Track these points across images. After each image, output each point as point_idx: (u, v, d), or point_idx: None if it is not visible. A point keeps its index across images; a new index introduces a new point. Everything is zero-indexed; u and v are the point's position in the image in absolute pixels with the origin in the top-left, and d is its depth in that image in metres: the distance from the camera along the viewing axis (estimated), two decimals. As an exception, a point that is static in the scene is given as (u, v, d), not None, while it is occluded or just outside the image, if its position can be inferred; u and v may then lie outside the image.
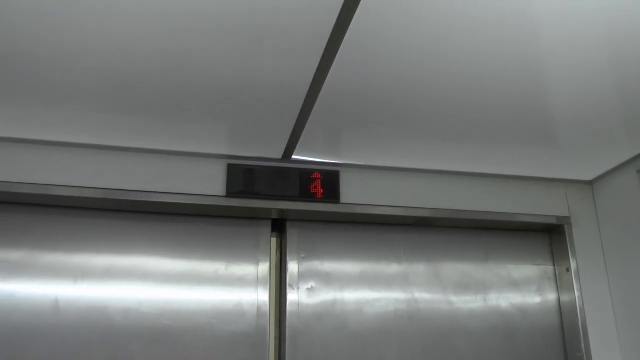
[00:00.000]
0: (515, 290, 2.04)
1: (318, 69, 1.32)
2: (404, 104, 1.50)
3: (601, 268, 2.02)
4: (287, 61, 1.29)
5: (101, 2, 1.09)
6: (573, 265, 2.01)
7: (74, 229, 1.74)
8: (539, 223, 2.05)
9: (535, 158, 1.88)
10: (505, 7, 1.13)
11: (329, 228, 1.93)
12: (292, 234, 1.90)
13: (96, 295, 1.69)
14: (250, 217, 1.87)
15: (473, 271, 2.02)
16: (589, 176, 2.08)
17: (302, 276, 1.86)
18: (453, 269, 2.00)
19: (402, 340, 1.88)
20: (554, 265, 2.10)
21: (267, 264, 1.85)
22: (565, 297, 2.04)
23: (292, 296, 1.83)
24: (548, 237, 2.13)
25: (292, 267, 1.86)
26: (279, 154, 1.80)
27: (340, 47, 1.24)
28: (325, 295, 1.86)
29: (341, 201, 1.86)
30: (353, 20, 1.15)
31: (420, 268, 1.97)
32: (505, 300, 2.01)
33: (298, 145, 1.73)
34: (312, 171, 1.85)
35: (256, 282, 1.82)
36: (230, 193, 1.78)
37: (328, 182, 1.86)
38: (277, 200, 1.81)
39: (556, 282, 2.08)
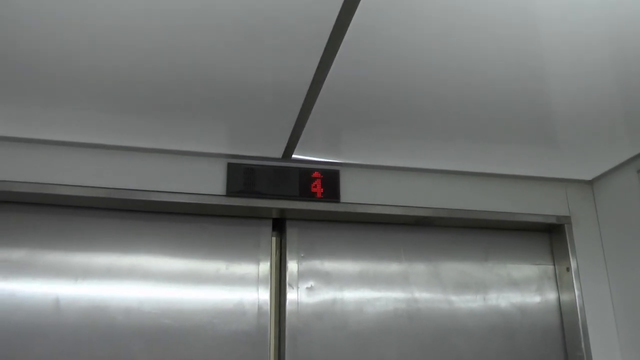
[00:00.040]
0: (515, 289, 2.04)
1: (318, 68, 1.32)
2: (404, 103, 1.50)
3: (601, 267, 2.02)
4: (287, 60, 1.29)
5: (101, 1, 1.09)
6: (573, 264, 2.01)
7: (74, 228, 1.74)
8: (539, 222, 2.05)
9: (535, 157, 1.88)
10: (506, 4, 1.13)
11: (329, 227, 1.93)
12: (292, 233, 1.90)
13: (97, 294, 1.70)
14: (251, 216, 1.87)
15: (473, 271, 2.02)
16: (589, 175, 2.08)
17: (302, 275, 1.86)
18: (453, 268, 2.00)
19: (401, 339, 1.88)
20: (554, 265, 2.10)
21: (268, 263, 1.85)
22: (565, 297, 2.04)
23: (291, 295, 1.83)
24: (548, 237, 2.13)
25: (292, 266, 1.86)
26: (279, 153, 1.80)
27: (340, 46, 1.24)
28: (325, 295, 1.86)
29: (341, 200, 1.86)
30: (353, 19, 1.15)
31: (420, 267, 1.97)
32: (505, 299, 2.01)
33: (298, 145, 1.73)
34: (312, 170, 1.86)
35: (257, 282, 1.82)
36: (230, 192, 1.78)
37: (328, 181, 1.86)
38: (277, 200, 1.81)
39: (556, 281, 2.08)
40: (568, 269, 2.02)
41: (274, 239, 1.90)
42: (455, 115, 1.57)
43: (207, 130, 1.64)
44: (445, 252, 2.01)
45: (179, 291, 1.76)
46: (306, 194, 1.83)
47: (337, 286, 1.88)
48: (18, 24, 1.15)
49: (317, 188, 1.84)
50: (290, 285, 1.84)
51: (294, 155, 1.81)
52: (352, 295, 1.88)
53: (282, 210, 1.84)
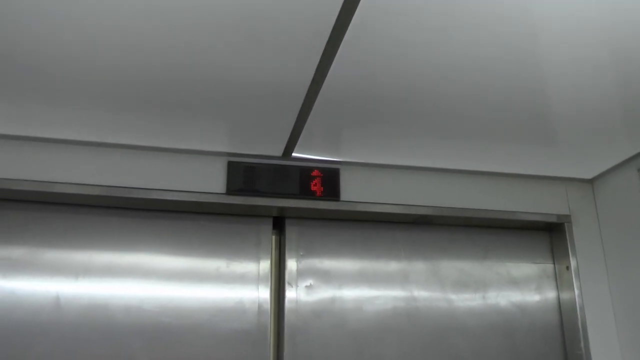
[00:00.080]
0: (514, 288, 2.04)
1: (318, 66, 1.32)
2: (403, 102, 1.50)
3: (601, 266, 2.02)
4: (288, 59, 1.29)
5: (101, 1, 1.09)
6: (573, 263, 2.01)
7: (75, 226, 1.74)
8: (539, 221, 2.05)
9: (536, 156, 1.88)
10: (506, 3, 1.13)
11: (328, 225, 1.94)
12: (291, 231, 1.90)
13: (97, 292, 1.70)
14: (251, 214, 1.87)
15: (472, 269, 2.02)
16: (589, 174, 2.08)
17: (301, 274, 1.87)
18: (452, 267, 2.00)
19: (400, 338, 1.88)
20: (554, 264, 2.10)
21: (268, 262, 1.85)
22: (564, 295, 2.04)
23: (290, 294, 1.83)
24: (548, 235, 2.13)
25: (291, 264, 1.86)
26: (279, 152, 1.80)
27: (341, 45, 1.24)
28: (324, 293, 1.87)
29: (341, 199, 1.86)
30: (353, 18, 1.15)
31: (419, 266, 1.97)
32: (504, 298, 2.01)
33: (298, 143, 1.74)
34: (312, 169, 1.86)
35: (257, 280, 1.83)
36: (231, 191, 1.78)
37: (328, 179, 1.86)
38: (277, 198, 1.81)
39: (556, 280, 2.08)
40: (568, 268, 2.02)
41: (273, 237, 1.90)
42: (455, 114, 1.57)
43: (207, 129, 1.64)
44: (445, 251, 2.01)
45: (179, 289, 1.76)
46: (306, 193, 1.83)
47: (336, 284, 1.88)
48: (18, 23, 1.15)
49: (317, 186, 1.84)
50: (289, 283, 1.84)
51: (294, 154, 1.81)
52: (351, 293, 1.88)
53: (282, 209, 1.84)
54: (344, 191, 1.88)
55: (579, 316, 1.95)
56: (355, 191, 1.89)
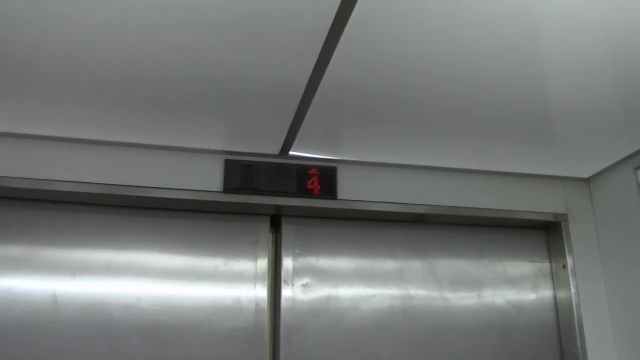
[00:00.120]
0: (511, 287, 2.04)
1: (316, 64, 1.32)
2: (401, 101, 1.50)
3: (597, 265, 2.03)
4: (285, 56, 1.29)
5: (98, -2, 1.09)
6: (569, 262, 2.02)
7: (72, 224, 1.74)
8: (535, 220, 2.05)
9: (533, 155, 1.88)
10: (506, 2, 1.13)
11: (324, 224, 1.94)
12: (288, 230, 1.90)
13: (95, 290, 1.70)
14: (248, 212, 1.87)
15: (469, 268, 2.02)
16: (585, 173, 2.08)
17: (297, 272, 1.87)
18: (449, 265, 2.00)
19: (397, 336, 1.88)
20: (550, 262, 2.10)
21: (266, 260, 1.85)
22: (561, 294, 2.04)
23: (286, 292, 1.83)
24: (544, 234, 2.13)
25: (287, 263, 1.86)
26: (276, 150, 1.80)
27: (339, 43, 1.24)
28: (320, 291, 1.87)
29: (338, 197, 1.86)
30: (351, 16, 1.15)
31: (415, 264, 1.98)
32: (500, 297, 2.02)
33: (295, 141, 1.74)
34: (309, 167, 1.86)
35: (255, 278, 1.83)
36: (228, 189, 1.78)
37: (325, 178, 1.86)
38: (274, 196, 1.81)
39: (552, 279, 2.08)
40: (564, 267, 2.03)
41: (270, 235, 1.90)
42: (453, 112, 1.57)
43: (204, 127, 1.64)
44: (441, 249, 2.02)
45: (177, 287, 1.76)
46: (303, 191, 1.83)
47: (332, 283, 1.88)
48: (17, 21, 1.15)
49: (314, 185, 1.84)
50: (285, 282, 1.84)
51: (291, 152, 1.81)
52: (347, 292, 1.88)
53: (279, 207, 1.84)
54: (341, 190, 1.88)
55: (575, 315, 1.96)
56: (352, 190, 1.89)
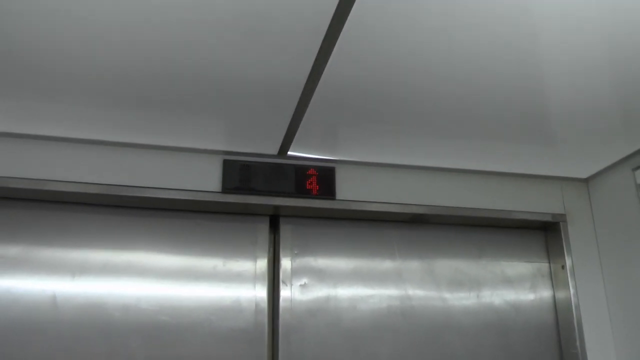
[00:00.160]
0: (509, 287, 2.04)
1: (314, 64, 1.32)
2: (400, 101, 1.50)
3: (596, 265, 2.03)
4: (284, 56, 1.29)
5: (97, -2, 1.09)
6: (568, 262, 2.02)
7: (70, 224, 1.74)
8: (534, 220, 2.05)
9: (531, 155, 1.88)
10: (505, 2, 1.13)
11: (323, 224, 1.93)
12: (286, 230, 1.90)
13: (94, 291, 1.70)
14: (246, 213, 1.87)
15: (467, 268, 2.02)
16: (584, 174, 2.08)
17: (295, 272, 1.86)
18: (447, 265, 2.00)
19: (395, 336, 1.88)
20: (549, 263, 2.10)
21: (265, 260, 1.85)
22: (560, 295, 2.04)
23: (285, 292, 1.83)
24: (543, 235, 2.13)
25: (285, 263, 1.86)
26: (274, 150, 1.80)
27: (337, 43, 1.24)
28: (319, 292, 1.86)
29: (336, 197, 1.86)
30: (350, 16, 1.15)
31: (414, 265, 1.98)
32: (499, 297, 2.02)
33: (294, 141, 1.74)
34: (307, 167, 1.86)
35: (254, 279, 1.83)
36: (226, 189, 1.78)
37: (323, 178, 1.86)
38: (273, 197, 1.81)
39: (551, 279, 2.08)
40: (563, 267, 2.03)
41: (268, 235, 1.90)
42: (451, 112, 1.57)
43: (203, 127, 1.64)
44: (440, 250, 2.01)
45: (177, 288, 1.76)
46: (302, 191, 1.83)
47: (330, 283, 1.88)
48: (16, 20, 1.15)
49: (313, 185, 1.84)
50: (284, 282, 1.84)
51: (289, 152, 1.81)
52: (345, 292, 1.88)
53: (277, 207, 1.84)
54: (340, 190, 1.88)
55: (574, 315, 1.96)
56: (350, 190, 1.89)
